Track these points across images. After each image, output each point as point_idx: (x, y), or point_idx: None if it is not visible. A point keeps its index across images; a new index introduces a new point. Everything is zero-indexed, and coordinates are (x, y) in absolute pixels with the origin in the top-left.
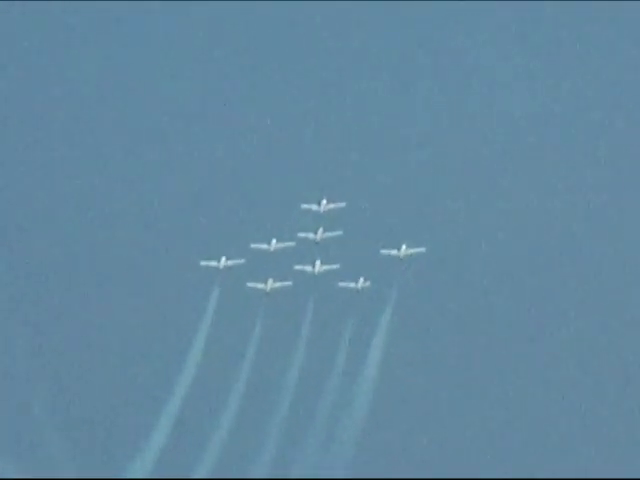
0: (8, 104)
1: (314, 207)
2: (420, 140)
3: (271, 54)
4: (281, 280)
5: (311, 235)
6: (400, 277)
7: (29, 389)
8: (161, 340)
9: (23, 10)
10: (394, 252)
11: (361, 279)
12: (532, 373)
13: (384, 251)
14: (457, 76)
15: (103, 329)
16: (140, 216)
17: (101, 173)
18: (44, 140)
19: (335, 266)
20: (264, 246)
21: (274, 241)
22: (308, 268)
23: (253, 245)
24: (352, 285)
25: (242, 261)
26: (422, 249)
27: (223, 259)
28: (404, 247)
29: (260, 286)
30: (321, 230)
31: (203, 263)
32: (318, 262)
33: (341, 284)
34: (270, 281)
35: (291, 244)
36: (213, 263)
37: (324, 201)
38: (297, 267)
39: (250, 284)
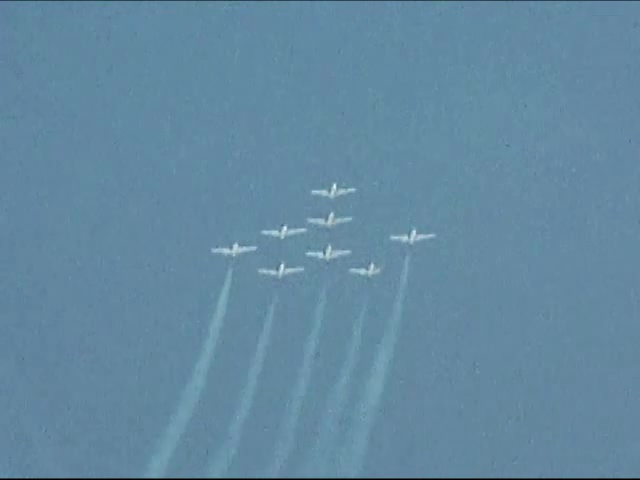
0: (8, 105)
1: (324, 193)
2: (430, 125)
3: (280, 41)
4: (293, 266)
5: (321, 221)
6: (411, 263)
7: (43, 385)
8: (175, 328)
9: (23, 10)
10: (404, 238)
11: (372, 265)
12: (544, 359)
13: (394, 237)
14: (469, 65)
15: (115, 318)
16: (150, 204)
17: (111, 161)
18: (50, 135)
19: (346, 252)
20: (275, 233)
21: (285, 228)
22: (319, 254)
23: (264, 232)
24: (363, 272)
25: (254, 248)
26: (432, 235)
27: (235, 246)
28: (414, 232)
29: (272, 272)
30: (332, 216)
31: (215, 250)
32: (329, 248)
33: (352, 270)
34: (282, 267)
35: (302, 230)
36: (225, 250)
37: (334, 187)
38: (309, 253)
39: (262, 270)
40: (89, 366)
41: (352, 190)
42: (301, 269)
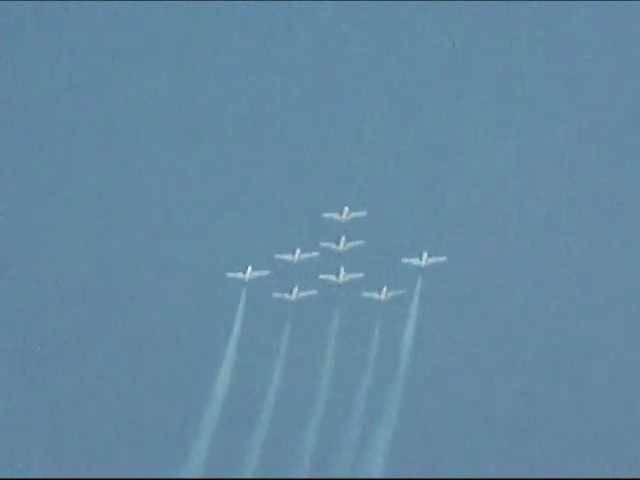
0: (8, 106)
1: (336, 216)
2: (441, 148)
3: (290, 64)
4: (306, 289)
5: (333, 245)
6: (422, 285)
7: (59, 400)
8: (191, 353)
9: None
10: (415, 261)
11: (384, 289)
12: (557, 378)
13: (405, 259)
14: (480, 88)
15: (131, 342)
16: (164, 229)
17: (124, 184)
18: (54, 148)
19: (359, 275)
20: (288, 257)
21: (298, 251)
22: (332, 277)
23: (277, 256)
24: (376, 295)
25: (267, 272)
26: (443, 258)
27: (249, 270)
28: (425, 255)
29: (286, 296)
30: (343, 239)
31: (229, 275)
32: (342, 271)
33: (365, 294)
34: (295, 290)
35: (315, 254)
36: (239, 275)
37: (346, 209)
38: (322, 276)
39: (276, 294)
40: (103, 391)
41: (363, 213)
42: (314, 292)
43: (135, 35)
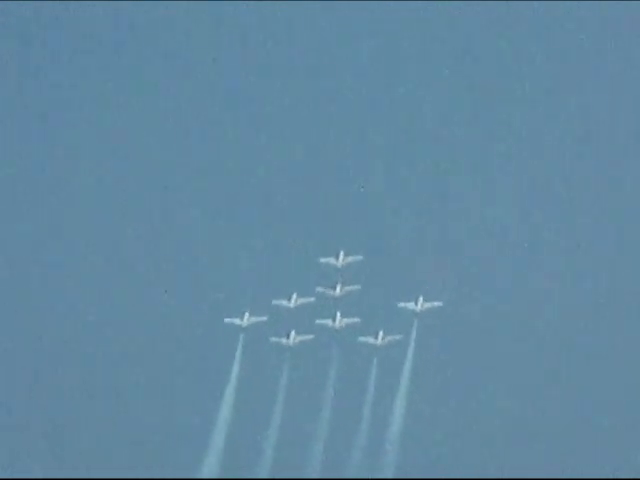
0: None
1: (332, 261)
2: (436, 193)
3: (281, 107)
4: (303, 334)
5: (330, 290)
6: (418, 330)
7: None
8: (190, 398)
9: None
10: (411, 305)
11: (380, 334)
12: (552, 423)
13: (401, 304)
14: (473, 116)
15: (129, 388)
16: (160, 274)
17: (119, 231)
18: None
19: (355, 320)
20: (284, 302)
21: (294, 296)
22: (329, 322)
23: (274, 301)
24: (372, 340)
25: (264, 318)
26: (439, 303)
27: (246, 316)
28: (421, 299)
29: (283, 340)
30: (340, 284)
31: (227, 320)
32: (339, 315)
33: (361, 339)
34: (293, 334)
35: (311, 299)
36: (237, 320)
37: (341, 254)
38: (318, 321)
39: (273, 339)
40: (100, 440)
41: (359, 257)
42: (311, 337)
43: (135, 35)
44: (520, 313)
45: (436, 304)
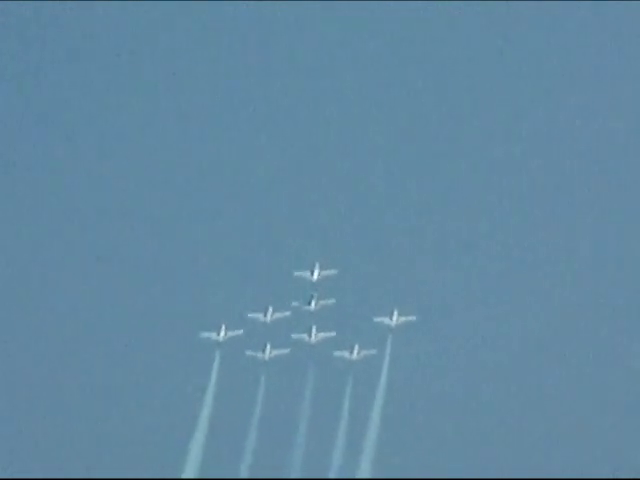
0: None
1: (307, 275)
2: (412, 205)
3: (256, 122)
4: (279, 348)
5: (305, 305)
6: (393, 345)
7: None
8: (166, 414)
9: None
10: (386, 320)
11: (356, 348)
12: (532, 438)
13: (377, 319)
14: (450, 137)
15: (105, 403)
16: (136, 290)
17: (97, 245)
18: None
19: (331, 334)
20: (260, 316)
21: (270, 310)
22: (305, 337)
23: (250, 315)
24: (347, 355)
25: (240, 332)
26: (412, 317)
27: (223, 330)
28: (396, 314)
29: (259, 355)
30: (315, 299)
31: (203, 335)
32: (314, 330)
33: (336, 353)
34: (268, 348)
35: (286, 313)
36: (213, 335)
37: (317, 268)
38: (294, 336)
39: (249, 352)
40: (77, 454)
41: (334, 271)
42: (287, 351)
43: (135, 35)
44: (495, 326)
45: (410, 318)
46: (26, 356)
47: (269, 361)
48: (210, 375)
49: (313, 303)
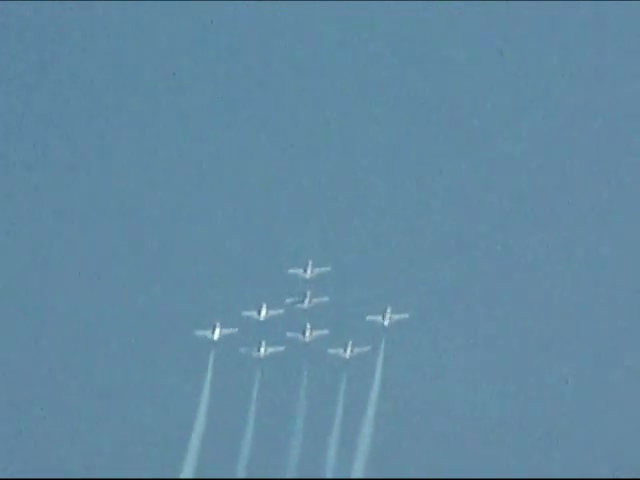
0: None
1: (300, 272)
2: (405, 203)
3: (254, 126)
4: (273, 346)
5: (299, 303)
6: (387, 342)
7: None
8: (164, 411)
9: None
10: (379, 318)
11: (349, 346)
12: (530, 436)
13: (370, 317)
14: (449, 136)
15: (102, 402)
16: (130, 289)
17: (92, 245)
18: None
19: (325, 332)
20: (254, 314)
21: (264, 308)
22: (299, 336)
23: (244, 313)
24: (341, 352)
25: (235, 330)
26: (405, 315)
27: (217, 328)
28: (389, 311)
29: (254, 353)
30: (308, 297)
31: (198, 333)
32: (308, 328)
33: (330, 351)
34: (263, 346)
35: (280, 311)
36: (208, 333)
37: (310, 265)
38: (289, 334)
39: (244, 350)
40: (75, 454)
41: (328, 269)
42: (281, 348)
43: (135, 35)
44: (491, 325)
45: (403, 316)
46: (24, 355)
47: (264, 359)
48: (205, 373)
49: (306, 301)
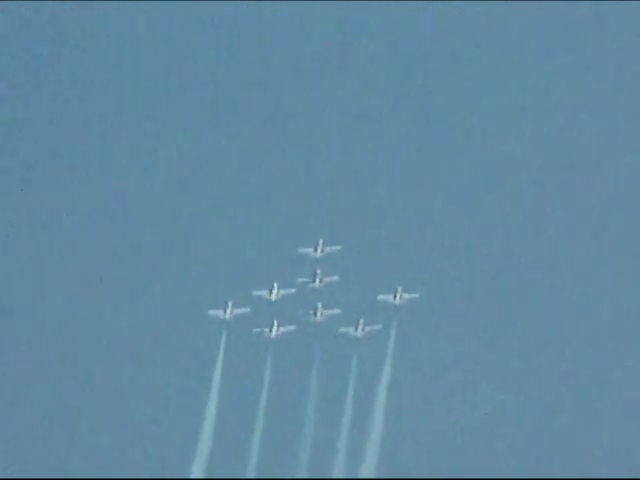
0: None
1: (310, 251)
2: (416, 183)
3: (263, 106)
4: (285, 325)
5: (310, 282)
6: (398, 321)
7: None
8: (174, 393)
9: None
10: (390, 298)
11: (361, 324)
12: (537, 420)
13: (380, 297)
14: (457, 124)
15: (114, 382)
16: (142, 269)
17: (105, 223)
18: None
19: (336, 311)
20: (265, 293)
21: (275, 288)
22: (310, 314)
23: (255, 292)
24: (352, 331)
25: (247, 309)
26: (416, 295)
27: (229, 307)
28: (399, 291)
29: (266, 332)
30: (319, 277)
31: (211, 312)
32: (320, 308)
33: (341, 329)
34: (275, 326)
35: (291, 290)
36: (220, 312)
37: (320, 244)
38: (300, 313)
39: (256, 330)
40: (84, 439)
41: (338, 248)
42: (293, 328)
43: (135, 35)
44: (500, 304)
45: (414, 296)
46: (32, 337)
47: (276, 339)
48: (217, 353)
49: (317, 280)
